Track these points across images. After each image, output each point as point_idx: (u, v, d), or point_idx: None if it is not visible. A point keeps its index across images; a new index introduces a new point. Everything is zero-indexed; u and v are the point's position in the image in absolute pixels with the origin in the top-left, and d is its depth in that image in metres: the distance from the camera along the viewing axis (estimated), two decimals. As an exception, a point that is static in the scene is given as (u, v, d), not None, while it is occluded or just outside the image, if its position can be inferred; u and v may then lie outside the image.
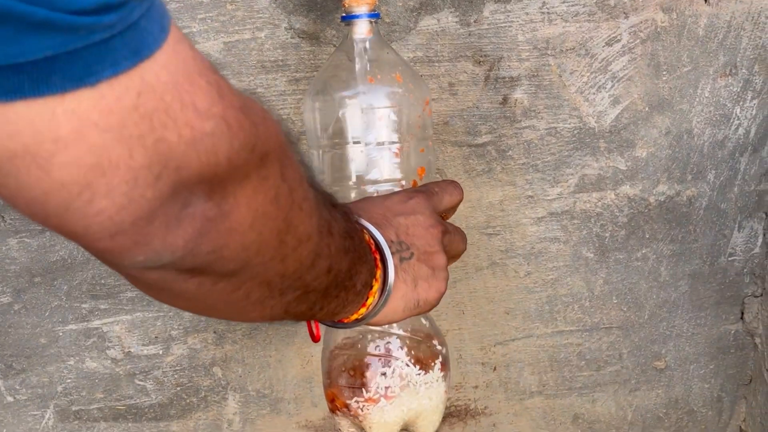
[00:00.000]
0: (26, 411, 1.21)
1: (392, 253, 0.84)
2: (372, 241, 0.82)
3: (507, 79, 1.12)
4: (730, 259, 1.23)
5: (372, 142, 0.96)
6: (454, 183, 0.95)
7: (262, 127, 0.57)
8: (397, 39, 1.09)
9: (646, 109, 1.15)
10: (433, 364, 0.98)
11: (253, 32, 1.08)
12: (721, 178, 1.18)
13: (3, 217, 1.10)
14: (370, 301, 0.82)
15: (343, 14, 0.97)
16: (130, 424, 1.23)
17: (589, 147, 1.15)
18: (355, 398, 0.96)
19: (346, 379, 0.96)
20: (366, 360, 0.96)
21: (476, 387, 1.27)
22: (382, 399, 0.95)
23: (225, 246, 0.57)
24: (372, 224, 0.84)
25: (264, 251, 0.60)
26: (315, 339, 0.87)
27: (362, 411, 0.96)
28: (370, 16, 0.97)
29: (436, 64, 1.11)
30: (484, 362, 1.26)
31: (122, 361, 1.19)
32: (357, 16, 0.96)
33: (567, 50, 1.12)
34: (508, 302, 1.22)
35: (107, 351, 1.18)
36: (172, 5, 1.06)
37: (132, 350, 1.19)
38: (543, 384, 1.28)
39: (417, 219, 0.88)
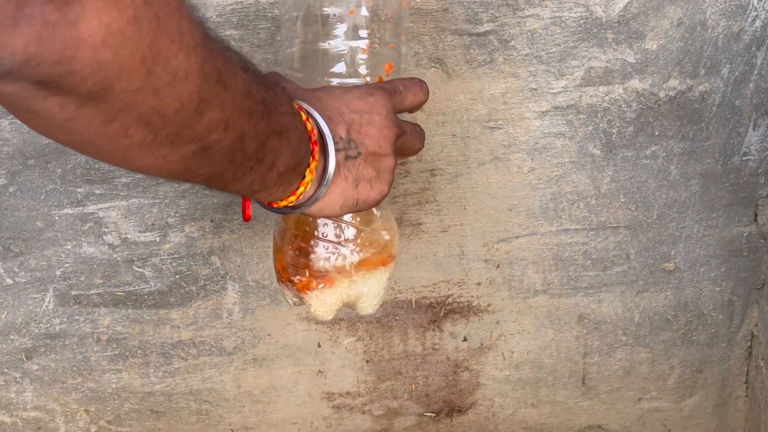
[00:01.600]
0: (26, 294, 1.22)
1: (338, 150, 0.83)
2: (315, 131, 0.81)
3: (509, -36, 1.08)
4: (744, 158, 1.18)
5: (339, 36, 0.93)
6: (420, 82, 0.92)
7: None
8: None
9: (657, -1, 1.10)
10: (376, 255, 0.97)
11: None
12: (736, 73, 1.13)
13: (-5, 99, 1.10)
14: (301, 190, 0.80)
15: None
16: (129, 311, 1.24)
17: (596, 38, 1.11)
18: (298, 276, 0.96)
19: (291, 257, 0.96)
20: (311, 243, 0.95)
21: (479, 284, 1.26)
22: (322, 283, 0.95)
23: (74, 58, 0.55)
24: (323, 116, 0.83)
25: (127, 76, 0.58)
26: (244, 218, 0.86)
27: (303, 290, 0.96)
28: None
29: (435, -52, 1.07)
30: (486, 259, 1.24)
31: (119, 248, 1.20)
32: None
33: (573, -65, 1.07)
34: (511, 198, 1.20)
35: (104, 236, 1.19)
36: None
37: (129, 236, 1.19)
38: (547, 283, 1.26)
39: (372, 118, 0.86)
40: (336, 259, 0.95)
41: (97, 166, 1.14)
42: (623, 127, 1.16)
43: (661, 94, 1.14)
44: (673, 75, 1.13)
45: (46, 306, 1.23)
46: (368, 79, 0.94)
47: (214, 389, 1.31)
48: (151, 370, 1.28)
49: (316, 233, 0.95)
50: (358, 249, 0.96)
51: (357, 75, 0.94)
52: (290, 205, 0.83)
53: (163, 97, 0.61)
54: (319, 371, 1.31)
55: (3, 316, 1.23)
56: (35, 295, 1.22)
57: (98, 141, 0.62)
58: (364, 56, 0.94)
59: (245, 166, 0.73)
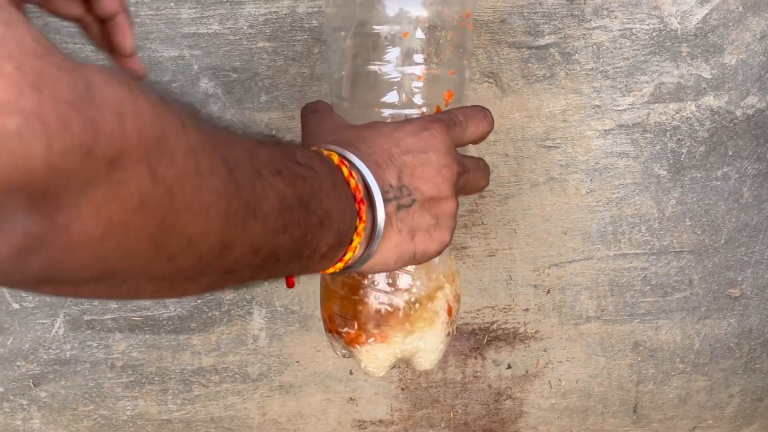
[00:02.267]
0: (34, 319, 1.13)
1: (388, 200, 0.72)
2: (361, 186, 0.71)
3: (576, -29, 0.97)
4: (824, 181, 1.08)
5: (392, 61, 0.82)
6: (483, 110, 0.81)
7: (110, 124, 0.45)
8: None
9: (740, 9, 0.99)
10: (436, 308, 0.87)
11: None
12: (822, 92, 1.03)
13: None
14: (348, 256, 0.70)
15: None
16: (147, 336, 1.15)
17: (669, 52, 1.00)
18: (346, 328, 0.86)
19: (339, 307, 0.86)
20: (361, 292, 0.85)
21: (527, 310, 1.16)
22: (373, 337, 0.85)
23: (65, 261, 0.46)
24: (370, 163, 0.72)
25: (133, 258, 0.49)
26: (288, 285, 0.76)
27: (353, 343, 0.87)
28: None
29: (494, -47, 0.96)
30: (536, 284, 1.14)
31: (136, 271, 1.10)
32: None
33: (649, -61, 0.96)
34: (567, 221, 1.10)
35: (119, 260, 1.09)
36: None
37: (146, 260, 1.09)
38: (601, 309, 1.16)
39: (428, 158, 0.75)
40: (389, 311, 0.85)
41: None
42: (694, 147, 1.05)
43: (738, 112, 1.03)
44: (752, 92, 1.02)
45: (56, 331, 1.13)
46: (424, 109, 0.84)
47: (237, 417, 1.22)
48: (170, 397, 1.19)
49: (366, 281, 0.85)
50: (413, 300, 0.86)
51: (412, 105, 0.84)
52: (337, 270, 0.73)
53: (179, 259, 0.52)
54: (351, 399, 1.22)
55: (9, 342, 1.14)
56: (44, 321, 1.13)
57: (115, 297, 0.53)
58: (420, 84, 0.84)
59: (279, 269, 0.63)
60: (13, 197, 0.42)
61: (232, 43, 0.97)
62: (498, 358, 1.19)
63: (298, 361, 1.18)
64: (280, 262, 0.63)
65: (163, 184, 0.48)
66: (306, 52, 0.98)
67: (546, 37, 0.98)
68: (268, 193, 0.59)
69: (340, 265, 0.72)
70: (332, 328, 0.88)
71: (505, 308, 1.16)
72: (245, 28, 0.97)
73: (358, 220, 0.70)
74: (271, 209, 0.59)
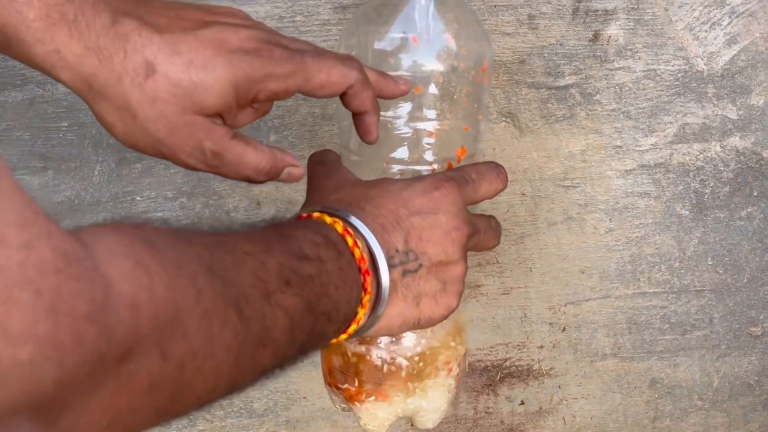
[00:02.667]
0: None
1: (393, 266, 0.70)
2: (366, 256, 0.68)
3: (600, 12, 0.93)
4: None
5: (403, 116, 0.79)
6: (496, 167, 0.78)
7: (125, 323, 0.43)
8: (466, -38, 0.91)
9: (769, 50, 0.96)
10: (440, 367, 0.84)
11: (290, -51, 0.90)
12: None
13: (-3, 153, 0.96)
14: (353, 327, 0.69)
15: (398, -54, 0.78)
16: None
17: (695, 92, 0.97)
18: (346, 384, 0.84)
19: (340, 362, 0.84)
20: (363, 348, 0.83)
21: (541, 347, 1.14)
22: (373, 395, 0.82)
23: None
24: (376, 226, 0.70)
25: (136, 427, 0.47)
26: None
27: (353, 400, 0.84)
28: None
29: (514, -7, 0.92)
30: (552, 322, 1.12)
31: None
32: None
33: (677, -21, 0.93)
34: (584, 260, 1.07)
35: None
36: None
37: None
38: (618, 346, 1.14)
39: (437, 219, 0.73)
40: (391, 369, 0.83)
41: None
42: (718, 187, 1.02)
43: (765, 153, 1.00)
44: (779, 133, 0.99)
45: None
46: (435, 166, 0.81)
47: (243, 450, 1.20)
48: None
49: (368, 338, 0.83)
50: (417, 359, 0.83)
51: (422, 162, 0.81)
52: (340, 341, 0.71)
53: (180, 410, 0.50)
54: (360, 433, 1.20)
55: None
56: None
57: None
58: (432, 140, 0.81)
59: (283, 366, 0.61)
60: (20, 415, 0.40)
61: (239, 83, 0.94)
62: (511, 395, 1.17)
63: (305, 397, 1.16)
64: (286, 363, 0.61)
65: (175, 361, 0.46)
66: (317, 91, 0.95)
67: (566, 78, 0.95)
68: (278, 315, 0.57)
69: (343, 336, 0.70)
70: (331, 383, 0.85)
71: (519, 345, 1.13)
72: (254, 67, 0.93)
73: (363, 293, 0.68)
74: (281, 332, 0.57)
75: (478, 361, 1.14)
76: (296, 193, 0.99)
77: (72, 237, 0.43)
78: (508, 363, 1.14)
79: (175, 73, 0.66)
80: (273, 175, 0.72)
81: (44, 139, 0.95)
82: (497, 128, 0.98)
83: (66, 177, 0.97)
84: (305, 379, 1.15)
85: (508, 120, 0.97)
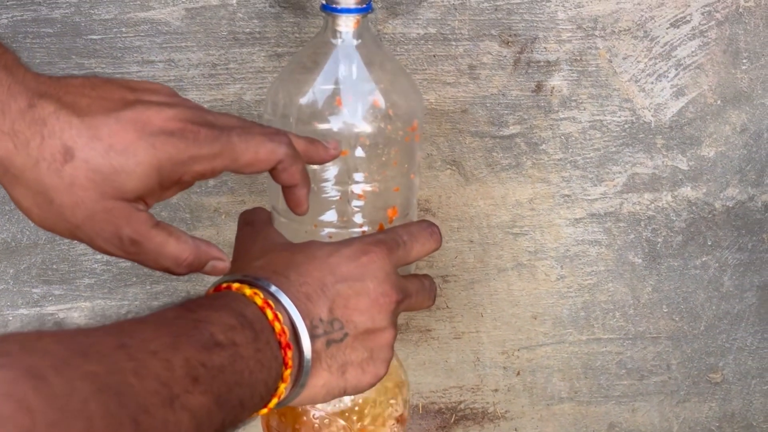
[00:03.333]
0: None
1: (317, 336, 0.69)
2: (288, 329, 0.67)
3: (542, 63, 0.92)
4: (810, 273, 1.04)
5: (330, 179, 0.78)
6: (430, 228, 0.77)
7: None
8: (403, 13, 0.89)
9: (718, 102, 0.94)
10: (380, 424, 0.84)
11: (222, -2, 0.89)
12: (808, 185, 0.98)
13: (-65, 195, 0.96)
14: (273, 402, 0.67)
15: (324, 1, 0.77)
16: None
17: (643, 143, 0.95)
18: None
19: (277, 423, 0.83)
20: (299, 410, 0.82)
21: (496, 390, 1.13)
22: None
23: None
24: (300, 296, 0.69)
25: None
26: None
27: None
28: (358, 11, 0.77)
29: (453, 44, 0.91)
30: (506, 366, 1.11)
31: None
32: (340, 10, 0.77)
33: (620, 31, 0.91)
34: (536, 306, 1.06)
35: (67, 336, 1.06)
36: (121, -36, 0.88)
37: (96, 336, 1.07)
38: (575, 390, 1.13)
39: (364, 286, 0.71)
40: (330, 430, 0.82)
41: (54, 266, 1.01)
42: (670, 237, 1.01)
43: (717, 204, 0.99)
44: (732, 183, 0.98)
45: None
46: (366, 228, 0.80)
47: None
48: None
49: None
50: (355, 418, 0.83)
51: (352, 224, 0.80)
52: (262, 413, 0.70)
53: None
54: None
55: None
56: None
57: None
58: (361, 203, 0.80)
59: None
60: None
61: (176, 129, 0.94)
62: (466, 436, 1.17)
63: (256, 436, 1.16)
64: None
65: None
66: (255, 138, 0.94)
67: (511, 127, 0.94)
68: (182, 419, 0.56)
69: (263, 410, 0.69)
70: None
71: (473, 388, 1.12)
72: (190, 114, 0.93)
73: (283, 368, 0.67)
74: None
75: (432, 403, 1.13)
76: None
77: None
78: (462, 405, 1.14)
79: (94, 158, 0.65)
80: (195, 267, 0.71)
81: (-21, 183, 0.95)
82: (442, 176, 0.97)
83: (1, 219, 0.97)
84: (247, 428, 1.14)
85: (453, 168, 0.96)
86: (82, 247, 0.99)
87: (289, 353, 0.67)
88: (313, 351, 0.69)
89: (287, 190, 0.72)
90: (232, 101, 0.92)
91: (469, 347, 1.09)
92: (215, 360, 0.60)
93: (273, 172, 0.71)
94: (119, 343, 0.55)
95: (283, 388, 0.67)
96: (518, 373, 1.11)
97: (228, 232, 0.99)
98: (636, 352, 1.10)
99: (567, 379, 1.12)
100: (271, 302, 0.67)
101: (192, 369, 0.57)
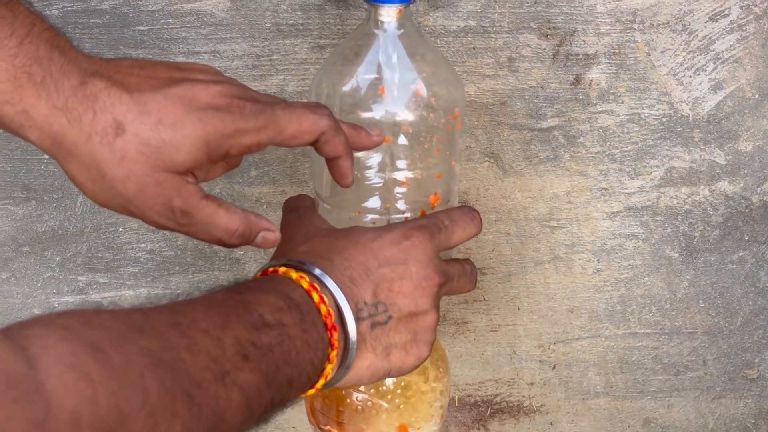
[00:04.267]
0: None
1: (362, 319, 0.72)
2: (333, 311, 0.70)
3: (581, 56, 0.94)
4: None
5: (373, 167, 0.81)
6: (470, 212, 0.79)
7: None
8: (444, 5, 0.92)
9: (756, 96, 0.96)
10: (421, 406, 0.86)
11: (267, -10, 0.92)
12: None
13: (-17, 183, 1.00)
14: (320, 383, 0.71)
15: (366, -9, 0.80)
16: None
17: (681, 137, 0.97)
18: (328, 426, 0.85)
19: (321, 404, 0.85)
20: (343, 392, 0.84)
21: (532, 384, 1.15)
22: None
23: None
24: (344, 279, 0.72)
25: None
26: None
27: None
28: (401, 1, 0.79)
29: (493, 36, 0.93)
30: (542, 360, 1.13)
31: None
32: (381, 1, 0.79)
33: (659, 25, 0.93)
34: (573, 300, 1.08)
35: (110, 324, 1.09)
36: (168, -44, 0.90)
37: (137, 325, 1.09)
38: (610, 385, 1.15)
39: (407, 270, 0.74)
40: (371, 413, 0.84)
41: (100, 254, 1.04)
42: (707, 231, 1.03)
43: (755, 199, 1.00)
44: (770, 178, 0.99)
45: None
46: (408, 214, 0.82)
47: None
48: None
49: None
50: (398, 401, 0.85)
51: (395, 210, 0.82)
52: (307, 395, 0.72)
53: None
54: (350, 462, 1.21)
55: None
56: None
57: None
58: (403, 189, 0.82)
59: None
60: None
61: (220, 119, 0.96)
62: (502, 430, 1.18)
63: (294, 427, 1.18)
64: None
65: None
66: (297, 129, 0.97)
67: (549, 120, 0.96)
68: (232, 395, 0.59)
69: (311, 391, 0.71)
70: (315, 423, 0.87)
71: (509, 382, 1.14)
72: (233, 105, 0.95)
73: (330, 348, 0.70)
74: (236, 412, 0.59)
75: (468, 396, 1.15)
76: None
77: (17, 355, 0.46)
78: (498, 399, 1.16)
79: (144, 131, 0.67)
80: (246, 239, 0.73)
81: (26, 170, 0.98)
82: (480, 168, 0.99)
83: (49, 207, 1.00)
84: (293, 409, 1.17)
85: (491, 160, 0.98)
86: (127, 236, 1.01)
87: (335, 334, 0.69)
88: (358, 333, 0.71)
89: (331, 162, 0.75)
90: (275, 92, 0.95)
91: (506, 340, 1.11)
92: (264, 339, 0.62)
93: (317, 144, 0.73)
94: (172, 321, 0.57)
95: (329, 369, 0.70)
96: (554, 367, 1.13)
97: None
98: (672, 347, 1.11)
99: (603, 373, 1.14)
100: (316, 285, 0.70)
101: (242, 347, 0.60)
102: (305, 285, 0.69)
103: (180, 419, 0.53)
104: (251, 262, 1.03)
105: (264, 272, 0.72)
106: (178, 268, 1.04)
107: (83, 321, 0.52)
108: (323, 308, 0.69)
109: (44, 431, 0.45)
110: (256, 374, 0.61)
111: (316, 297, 0.69)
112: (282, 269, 0.71)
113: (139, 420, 0.50)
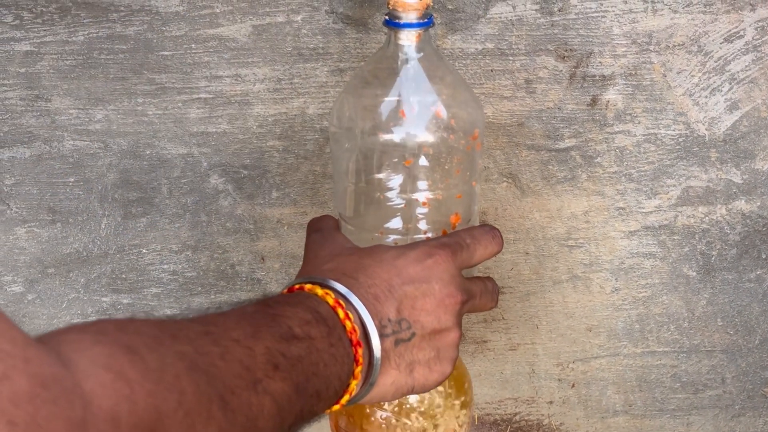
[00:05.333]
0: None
1: (386, 336, 0.74)
2: (358, 327, 0.72)
3: (597, 77, 0.96)
4: None
5: (395, 188, 0.83)
6: (491, 231, 0.81)
7: None
8: (462, 28, 0.94)
9: (772, 116, 0.98)
10: (445, 425, 0.87)
11: (287, 15, 0.94)
12: None
13: (9, 204, 1.02)
14: (345, 398, 0.72)
15: (386, 17, 0.82)
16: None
17: (697, 156, 0.99)
18: None
19: (345, 423, 0.87)
20: (367, 411, 0.86)
21: (551, 402, 1.16)
22: None
23: None
24: (368, 296, 0.74)
25: None
26: None
27: None
28: (420, 25, 0.81)
29: (510, 58, 0.95)
30: (560, 378, 1.14)
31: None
32: (401, 25, 0.81)
33: (675, 46, 0.95)
34: (591, 319, 1.10)
35: (133, 344, 1.11)
36: (191, -18, 0.93)
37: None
38: (629, 404, 1.16)
39: (430, 288, 0.76)
40: (396, 430, 0.86)
41: (123, 275, 1.06)
42: (725, 250, 1.04)
43: (771, 217, 1.02)
44: (786, 197, 1.01)
45: None
46: (429, 234, 0.84)
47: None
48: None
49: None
50: (422, 418, 0.86)
51: (416, 231, 0.84)
52: (332, 411, 0.74)
53: None
54: (371, 481, 1.23)
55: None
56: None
57: None
58: (425, 210, 0.84)
59: None
60: None
61: (241, 142, 0.99)
62: (521, 448, 1.20)
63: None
64: None
65: None
66: (317, 150, 0.99)
67: (566, 141, 0.98)
68: (264, 402, 0.60)
69: (336, 407, 0.73)
70: None
71: (528, 400, 1.16)
72: (254, 127, 0.98)
73: (354, 365, 0.71)
74: (267, 419, 0.60)
75: (487, 414, 1.17)
76: (299, 249, 1.02)
77: (51, 357, 0.47)
78: (517, 417, 1.17)
79: None
80: None
81: (52, 193, 1.00)
82: (499, 188, 1.01)
83: (74, 230, 1.02)
84: (316, 428, 1.18)
85: (510, 180, 1.00)
86: (150, 257, 1.04)
87: (360, 350, 0.71)
88: (383, 350, 0.73)
89: None
90: (295, 115, 0.97)
91: (525, 359, 1.13)
92: (293, 350, 0.64)
93: None
94: (204, 330, 0.59)
95: (354, 385, 0.71)
96: (573, 386, 1.14)
97: (290, 243, 1.03)
98: (691, 366, 1.12)
99: (622, 392, 1.15)
100: (342, 302, 0.71)
101: (272, 357, 0.62)
102: (331, 301, 0.71)
103: (216, 422, 0.55)
104: (272, 282, 1.04)
105: (290, 289, 0.74)
106: (200, 288, 1.06)
107: (117, 327, 0.54)
108: (348, 324, 0.71)
109: (83, 430, 0.46)
110: (286, 383, 0.63)
111: (341, 313, 0.71)
112: (308, 286, 0.73)
113: (176, 420, 0.52)
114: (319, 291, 0.72)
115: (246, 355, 0.60)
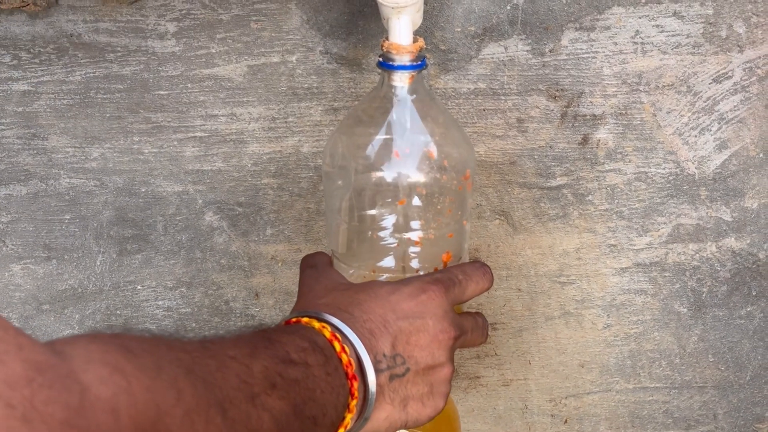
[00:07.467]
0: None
1: (381, 371, 0.76)
2: (354, 361, 0.73)
3: (588, 116, 0.98)
4: None
5: (388, 228, 0.85)
6: (483, 268, 0.84)
7: (104, 426, 0.47)
8: (454, 69, 0.96)
9: (761, 155, 1.00)
10: None
11: (282, 55, 0.96)
12: None
13: (4, 241, 1.04)
14: None
15: (380, 58, 0.84)
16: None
17: (687, 195, 1.01)
18: None
19: None
20: None
21: (543, 438, 1.18)
22: None
23: None
24: (363, 331, 0.76)
25: None
26: None
27: None
28: (413, 68, 0.84)
29: (502, 98, 0.98)
30: (553, 414, 1.16)
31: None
32: (395, 67, 0.84)
33: (664, 86, 0.97)
34: (583, 354, 1.12)
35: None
36: (187, 22, 0.95)
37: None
38: (622, 439, 1.18)
39: (424, 323, 0.78)
40: None
41: (118, 312, 1.08)
42: (715, 287, 1.06)
43: (761, 255, 1.04)
44: (776, 235, 1.03)
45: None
46: (421, 272, 0.86)
47: None
48: None
49: None
50: None
51: (409, 270, 0.86)
52: None
53: None
54: None
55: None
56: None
57: None
58: (417, 249, 0.86)
59: None
60: None
61: (236, 180, 1.01)
62: (514, 484, 1.21)
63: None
64: None
65: None
66: (311, 188, 1.01)
67: (558, 179, 1.00)
68: (263, 417, 0.62)
69: None
70: None
71: (520, 436, 1.17)
72: (249, 165, 1.00)
73: (350, 398, 0.73)
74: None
75: (480, 450, 1.19)
76: (294, 285, 1.05)
77: (44, 347, 0.49)
78: (510, 452, 1.19)
79: None
80: None
81: (48, 230, 1.02)
82: (491, 225, 1.03)
83: (69, 266, 1.04)
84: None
85: (502, 218, 1.02)
86: (144, 294, 1.06)
87: (356, 384, 0.73)
88: (377, 384, 0.75)
89: None
90: (290, 153, 0.99)
91: (517, 395, 1.15)
92: (290, 373, 0.66)
93: None
94: (201, 345, 0.61)
95: (349, 419, 0.73)
96: (566, 421, 1.16)
97: (284, 280, 1.05)
98: (682, 401, 1.14)
99: (614, 427, 1.17)
100: (338, 336, 0.73)
101: (270, 376, 0.64)
102: (327, 334, 0.73)
103: (215, 428, 0.56)
104: (266, 318, 1.07)
105: (286, 323, 0.76)
106: (194, 324, 1.08)
107: (113, 334, 0.55)
108: (345, 358, 0.73)
109: (81, 416, 0.47)
110: (284, 402, 0.65)
111: (338, 346, 0.73)
112: (304, 320, 0.75)
113: (176, 417, 0.53)
114: (316, 324, 0.74)
115: (243, 371, 0.62)
